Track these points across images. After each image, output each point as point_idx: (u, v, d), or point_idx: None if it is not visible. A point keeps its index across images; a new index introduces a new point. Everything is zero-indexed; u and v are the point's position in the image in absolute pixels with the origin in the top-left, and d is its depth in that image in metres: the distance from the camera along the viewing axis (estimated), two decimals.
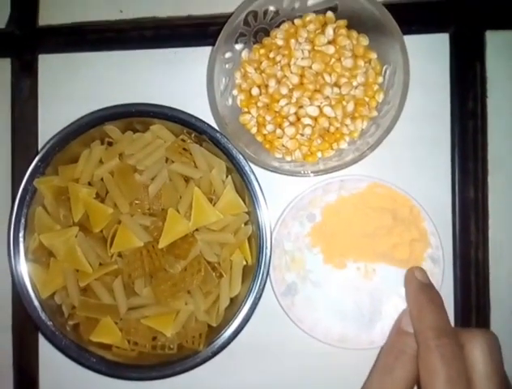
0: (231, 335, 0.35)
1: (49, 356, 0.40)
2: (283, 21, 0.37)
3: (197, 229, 0.37)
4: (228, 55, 0.37)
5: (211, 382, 0.40)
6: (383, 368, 0.33)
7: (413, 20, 0.40)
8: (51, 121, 0.39)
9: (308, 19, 0.37)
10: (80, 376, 0.39)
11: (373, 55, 0.37)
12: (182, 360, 0.35)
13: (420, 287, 0.34)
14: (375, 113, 0.37)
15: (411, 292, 0.34)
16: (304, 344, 0.38)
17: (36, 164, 0.37)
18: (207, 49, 0.40)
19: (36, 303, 0.36)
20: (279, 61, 0.37)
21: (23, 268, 0.37)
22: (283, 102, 0.36)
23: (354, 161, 0.34)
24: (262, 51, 0.37)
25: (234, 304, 0.37)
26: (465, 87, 0.40)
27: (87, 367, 0.36)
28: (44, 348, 0.40)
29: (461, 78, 0.40)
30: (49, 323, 0.36)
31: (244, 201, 0.37)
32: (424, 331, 0.31)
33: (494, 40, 0.40)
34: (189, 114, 0.36)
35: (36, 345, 0.41)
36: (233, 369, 0.40)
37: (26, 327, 0.41)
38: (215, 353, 0.35)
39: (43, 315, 0.36)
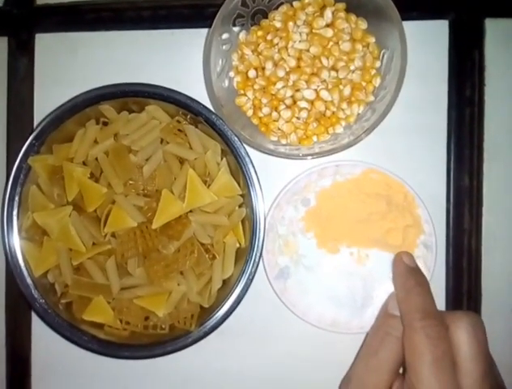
0: (222, 317, 0.35)
1: (41, 334, 0.41)
2: (282, 3, 0.37)
3: (191, 211, 0.37)
4: (225, 36, 0.37)
5: (202, 363, 0.40)
6: (369, 350, 0.33)
7: (413, 6, 0.40)
8: (47, 101, 0.39)
9: (306, 1, 0.36)
10: (72, 354, 0.39)
11: (372, 39, 0.36)
12: (174, 340, 0.36)
13: (407, 270, 0.34)
14: (372, 98, 0.36)
15: (398, 276, 0.35)
16: (295, 327, 0.39)
17: (31, 143, 0.37)
18: (205, 31, 0.40)
19: (29, 281, 0.37)
20: (277, 44, 0.37)
21: (17, 246, 0.37)
22: (279, 85, 0.36)
23: (349, 145, 0.34)
24: (260, 33, 0.37)
25: (226, 286, 0.37)
26: (463, 75, 0.40)
27: (79, 345, 0.36)
28: (37, 326, 0.41)
29: (459, 65, 0.40)
30: (42, 301, 0.36)
31: (238, 184, 0.37)
32: (409, 312, 0.31)
33: (493, 29, 0.40)
34: (185, 95, 0.36)
35: (28, 323, 0.41)
36: (224, 351, 0.40)
37: (19, 306, 0.41)
38: (206, 334, 0.35)
39: (36, 293, 0.36)
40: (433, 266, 0.37)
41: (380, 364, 0.32)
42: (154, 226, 0.36)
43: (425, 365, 0.28)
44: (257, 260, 0.35)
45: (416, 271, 0.34)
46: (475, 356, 0.29)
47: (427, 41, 0.40)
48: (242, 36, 0.37)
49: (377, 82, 0.36)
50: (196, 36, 0.40)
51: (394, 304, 0.34)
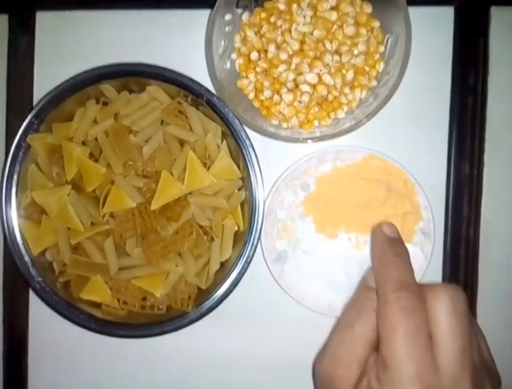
0: (219, 298, 0.36)
1: (38, 312, 0.41)
2: None
3: (190, 193, 0.37)
4: (228, 17, 0.36)
5: (198, 343, 0.40)
6: (344, 323, 0.31)
7: None
8: (47, 79, 0.38)
9: None
10: (69, 333, 0.39)
11: (376, 24, 0.36)
12: (170, 320, 0.36)
13: (386, 240, 0.32)
14: (374, 83, 0.36)
15: (376, 246, 0.32)
16: (292, 310, 0.39)
17: (30, 121, 0.37)
18: (208, 12, 0.39)
19: (27, 259, 0.37)
20: (280, 26, 0.36)
21: (15, 224, 0.37)
22: (282, 68, 0.36)
23: (350, 129, 0.34)
24: (264, 15, 0.37)
25: (224, 268, 0.37)
26: (467, 63, 0.39)
27: (77, 324, 0.36)
28: (34, 304, 0.41)
29: (463, 53, 0.39)
30: (40, 279, 0.36)
31: (238, 167, 0.37)
32: (384, 283, 0.29)
33: (499, 17, 0.40)
34: (186, 77, 0.36)
35: (26, 302, 0.41)
36: (221, 333, 0.40)
37: (16, 284, 0.41)
38: (203, 315, 0.36)
39: (33, 271, 0.37)
40: (431, 253, 0.37)
41: (354, 337, 0.29)
42: (153, 207, 0.36)
43: (397, 338, 0.26)
44: (255, 243, 0.35)
45: (395, 242, 0.32)
46: (453, 331, 0.27)
47: (432, 28, 0.39)
48: (245, 17, 0.37)
49: (380, 67, 0.36)
50: (199, 17, 0.39)
51: (372, 276, 0.31)
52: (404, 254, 0.31)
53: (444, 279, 0.39)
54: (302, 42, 0.36)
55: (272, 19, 0.36)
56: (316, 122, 0.37)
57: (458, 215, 0.39)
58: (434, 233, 0.37)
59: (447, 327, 0.27)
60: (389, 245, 0.31)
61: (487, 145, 0.40)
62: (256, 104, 0.38)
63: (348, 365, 0.28)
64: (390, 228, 0.33)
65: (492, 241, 0.40)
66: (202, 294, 0.36)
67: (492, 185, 0.40)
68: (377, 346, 0.28)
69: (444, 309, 0.27)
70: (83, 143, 0.38)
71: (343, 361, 0.29)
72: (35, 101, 0.41)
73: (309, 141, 0.35)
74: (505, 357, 0.38)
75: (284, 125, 0.37)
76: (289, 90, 0.36)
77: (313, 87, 0.36)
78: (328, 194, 0.38)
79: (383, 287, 0.29)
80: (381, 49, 0.36)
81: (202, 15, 0.40)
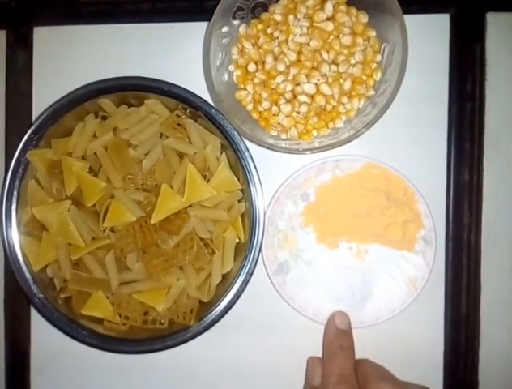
0: (222, 311, 0.35)
1: (40, 328, 0.41)
2: None
3: (190, 206, 0.36)
4: (225, 29, 0.36)
5: (201, 357, 0.40)
6: None
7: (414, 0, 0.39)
8: (45, 95, 0.39)
9: None
10: (71, 349, 0.39)
11: (372, 33, 0.36)
12: (173, 334, 0.36)
13: (335, 333, 0.36)
14: (372, 92, 0.36)
15: (327, 336, 0.37)
16: (294, 321, 0.39)
17: (29, 137, 0.37)
18: (205, 24, 0.39)
19: (28, 276, 0.36)
20: (277, 37, 0.36)
21: (16, 241, 0.37)
22: (279, 79, 0.36)
23: (349, 139, 0.34)
24: (260, 26, 0.37)
25: (226, 280, 0.37)
26: (464, 69, 0.39)
27: (79, 340, 0.36)
28: (36, 320, 0.41)
29: (460, 59, 0.39)
30: (41, 296, 0.36)
31: (238, 178, 0.37)
32: (327, 374, 0.34)
33: (495, 23, 0.40)
34: (184, 89, 0.36)
35: (27, 318, 0.41)
36: (224, 345, 0.40)
37: (18, 300, 0.41)
38: (205, 329, 0.35)
39: (35, 288, 0.36)
40: (433, 260, 0.37)
41: None
42: (153, 221, 0.36)
43: None
44: (256, 255, 0.35)
45: (342, 334, 0.36)
46: None
47: (428, 35, 0.39)
48: (242, 29, 0.37)
49: (377, 76, 0.36)
50: (196, 30, 0.40)
51: (315, 375, 0.36)
52: (348, 348, 0.35)
53: (446, 286, 0.39)
54: (299, 53, 0.36)
55: (269, 31, 0.37)
56: (315, 133, 0.37)
57: (459, 221, 0.39)
58: (436, 241, 0.37)
59: None
60: (336, 338, 0.36)
61: (486, 150, 0.40)
62: (254, 115, 0.38)
63: None
64: (341, 320, 0.36)
65: (493, 246, 0.40)
66: (205, 307, 0.36)
67: (492, 190, 0.40)
68: None
69: None
70: (83, 158, 0.38)
71: None
72: (34, 117, 0.42)
73: (308, 152, 0.35)
74: (507, 363, 0.38)
75: (283, 136, 0.37)
76: (287, 101, 0.36)
77: (311, 97, 0.36)
78: (328, 203, 0.38)
79: (326, 377, 0.34)
80: (378, 58, 0.36)
81: (199, 28, 0.40)
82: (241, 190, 0.37)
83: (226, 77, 0.37)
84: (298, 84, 0.36)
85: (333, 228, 0.38)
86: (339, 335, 0.36)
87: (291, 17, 0.36)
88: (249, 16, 0.37)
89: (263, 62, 0.37)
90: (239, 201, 0.37)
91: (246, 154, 0.36)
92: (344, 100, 0.36)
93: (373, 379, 0.33)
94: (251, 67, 0.37)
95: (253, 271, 0.35)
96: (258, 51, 0.37)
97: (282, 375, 0.40)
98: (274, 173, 0.39)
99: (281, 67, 0.36)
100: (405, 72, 0.34)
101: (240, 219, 0.37)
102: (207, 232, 0.37)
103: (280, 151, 0.36)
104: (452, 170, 0.39)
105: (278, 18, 0.36)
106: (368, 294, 0.38)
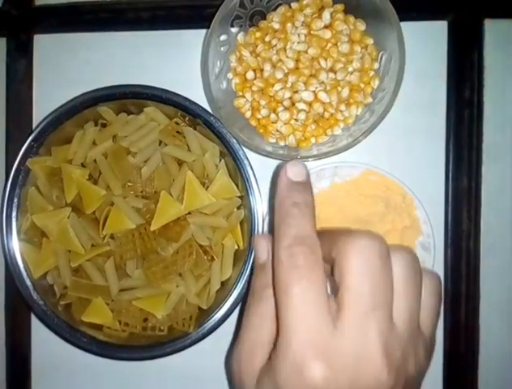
0: (221, 318, 0.35)
1: (40, 335, 0.41)
2: (280, 4, 0.37)
3: (189, 213, 0.37)
4: (223, 38, 0.37)
5: (201, 363, 0.40)
6: (247, 310, 0.25)
7: (412, 7, 0.39)
8: (45, 102, 0.39)
9: (305, 2, 0.36)
10: (71, 356, 0.39)
11: (370, 41, 0.36)
12: (172, 341, 0.36)
13: (286, 187, 0.25)
14: (370, 100, 0.36)
15: (276, 194, 0.25)
16: None
17: (30, 144, 0.37)
18: (203, 32, 0.40)
19: (28, 283, 0.37)
20: (275, 45, 0.37)
21: (16, 248, 0.37)
22: (277, 86, 0.36)
23: (347, 147, 0.34)
24: (258, 34, 0.37)
25: (225, 287, 0.37)
26: (462, 76, 0.40)
27: (79, 347, 0.36)
28: (36, 327, 0.41)
29: (458, 66, 0.40)
30: (41, 303, 0.36)
31: (237, 185, 0.37)
32: (278, 240, 0.23)
33: (492, 29, 0.40)
34: (183, 97, 0.36)
35: (28, 325, 0.41)
36: (223, 352, 0.40)
37: (18, 307, 0.41)
38: (205, 335, 0.35)
39: (35, 295, 0.37)
40: (432, 267, 0.37)
41: (257, 319, 0.24)
42: (152, 228, 0.36)
43: (289, 300, 0.22)
44: None
45: (297, 188, 0.25)
46: (358, 286, 0.21)
47: (426, 42, 0.40)
48: (240, 37, 0.37)
49: (375, 83, 0.36)
50: (194, 38, 0.40)
51: (261, 249, 0.26)
52: (305, 202, 0.24)
53: (446, 292, 0.39)
54: (297, 60, 0.36)
55: (267, 39, 0.37)
56: (313, 140, 0.37)
57: (458, 228, 0.39)
58: (434, 247, 0.37)
59: (351, 283, 0.22)
60: (288, 192, 0.25)
61: (484, 157, 0.40)
62: (253, 123, 0.38)
63: (252, 350, 0.24)
64: (294, 169, 0.25)
65: (493, 253, 0.40)
66: (204, 314, 0.36)
67: (491, 196, 0.40)
68: None
69: (350, 264, 0.22)
70: (83, 166, 0.38)
71: (246, 348, 0.24)
72: (34, 124, 0.42)
73: (307, 159, 0.35)
74: (508, 372, 0.38)
75: (281, 143, 0.37)
76: (285, 108, 0.37)
77: (309, 104, 0.36)
78: (327, 210, 0.38)
79: (276, 244, 0.23)
80: (376, 65, 0.37)
81: (197, 36, 0.40)
82: (240, 197, 0.37)
83: (224, 85, 0.38)
84: (296, 92, 0.36)
85: None
86: (292, 188, 0.25)
87: (289, 25, 0.36)
88: (247, 24, 0.37)
89: (261, 70, 0.37)
90: (238, 208, 0.38)
91: (245, 161, 0.36)
92: (342, 107, 0.36)
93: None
94: (249, 75, 0.37)
95: None
96: (257, 59, 0.37)
97: None
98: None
99: (279, 75, 0.36)
100: (403, 79, 0.34)
101: (239, 226, 0.38)
102: (206, 239, 0.37)
103: (279, 159, 0.36)
104: (451, 177, 0.39)
105: (276, 26, 0.37)
106: None
